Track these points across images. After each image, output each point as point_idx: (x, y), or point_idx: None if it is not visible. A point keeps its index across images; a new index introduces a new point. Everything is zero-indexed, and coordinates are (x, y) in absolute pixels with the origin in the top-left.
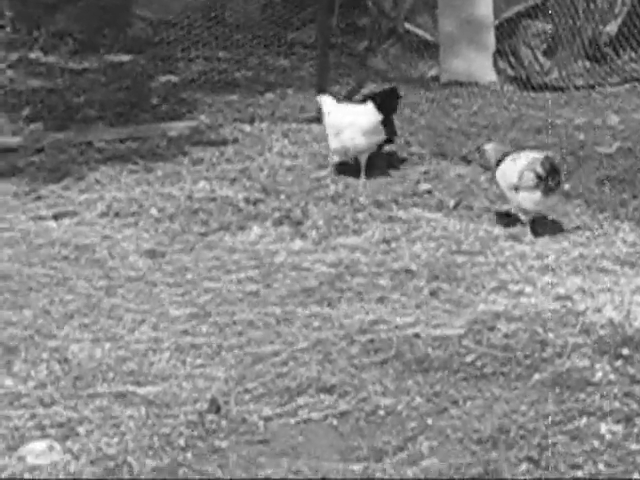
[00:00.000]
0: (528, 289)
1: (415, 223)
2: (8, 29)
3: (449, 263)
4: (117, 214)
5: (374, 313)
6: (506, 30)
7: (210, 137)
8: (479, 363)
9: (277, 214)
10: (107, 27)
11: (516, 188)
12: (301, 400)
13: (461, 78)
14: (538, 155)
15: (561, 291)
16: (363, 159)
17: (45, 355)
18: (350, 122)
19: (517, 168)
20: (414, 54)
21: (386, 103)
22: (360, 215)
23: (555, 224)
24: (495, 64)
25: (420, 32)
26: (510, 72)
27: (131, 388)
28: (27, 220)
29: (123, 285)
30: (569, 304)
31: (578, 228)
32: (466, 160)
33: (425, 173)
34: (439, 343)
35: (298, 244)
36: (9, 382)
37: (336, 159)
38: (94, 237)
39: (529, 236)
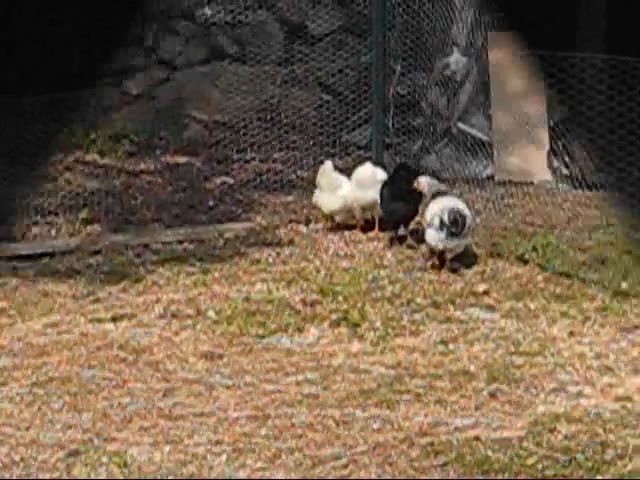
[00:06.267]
0: (588, 390)
1: (472, 324)
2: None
3: (507, 364)
4: (175, 316)
5: (433, 415)
6: (560, 129)
7: (266, 238)
8: (540, 465)
9: (334, 316)
10: (163, 129)
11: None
12: None
13: (516, 177)
14: (450, 204)
15: (621, 391)
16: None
17: (105, 459)
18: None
19: (431, 211)
20: (468, 154)
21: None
22: (417, 316)
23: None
24: (550, 163)
25: (474, 132)
26: (565, 171)
27: None
28: (85, 322)
29: (181, 387)
30: (629, 405)
31: (637, 327)
32: (522, 260)
33: (481, 273)
34: (499, 445)
35: (355, 345)
36: None
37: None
38: (152, 339)
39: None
